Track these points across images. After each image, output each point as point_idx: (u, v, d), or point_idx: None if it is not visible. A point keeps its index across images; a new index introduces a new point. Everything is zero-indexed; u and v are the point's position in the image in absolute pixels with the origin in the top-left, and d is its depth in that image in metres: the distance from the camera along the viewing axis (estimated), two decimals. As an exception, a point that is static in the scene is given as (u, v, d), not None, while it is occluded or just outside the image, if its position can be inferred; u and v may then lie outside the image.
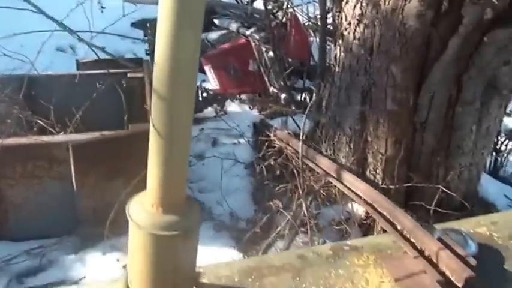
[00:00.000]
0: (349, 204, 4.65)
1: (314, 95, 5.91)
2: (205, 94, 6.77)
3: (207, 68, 7.44)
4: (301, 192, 3.95)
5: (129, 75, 5.42)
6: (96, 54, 5.06)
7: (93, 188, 4.26)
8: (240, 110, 6.89)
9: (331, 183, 4.15)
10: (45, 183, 4.27)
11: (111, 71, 5.19)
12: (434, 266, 1.74)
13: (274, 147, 5.03)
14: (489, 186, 5.63)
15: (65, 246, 4.26)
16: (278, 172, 4.86)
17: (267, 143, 5.13)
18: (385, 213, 2.02)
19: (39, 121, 4.85)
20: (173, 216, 1.40)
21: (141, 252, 1.45)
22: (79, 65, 5.61)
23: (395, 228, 1.94)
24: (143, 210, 1.42)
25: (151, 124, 1.35)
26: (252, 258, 1.87)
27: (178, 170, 1.40)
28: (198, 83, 6.83)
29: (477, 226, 2.14)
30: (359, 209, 4.65)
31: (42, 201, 4.29)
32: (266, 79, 6.84)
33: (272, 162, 4.88)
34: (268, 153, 5.04)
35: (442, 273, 1.70)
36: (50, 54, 7.45)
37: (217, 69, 7.40)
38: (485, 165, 5.92)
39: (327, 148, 5.12)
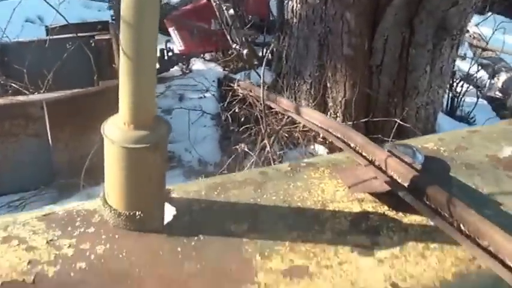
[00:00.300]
0: (312, 146, 4.78)
1: (273, 46, 5.98)
2: (170, 54, 6.80)
3: (171, 30, 7.47)
4: (263, 131, 4.06)
5: (96, 37, 5.48)
6: (66, 19, 5.13)
7: (67, 142, 4.34)
8: (205, 68, 6.95)
9: (293, 124, 4.28)
10: (22, 140, 4.34)
11: (80, 34, 5.25)
12: (384, 172, 1.85)
13: (238, 96, 5.13)
14: (446, 125, 5.78)
15: (43, 198, 4.35)
16: (243, 119, 4.96)
17: (231, 93, 5.22)
18: (339, 135, 2.12)
19: (13, 84, 4.90)
20: (143, 131, 1.50)
21: (115, 167, 1.54)
22: (48, 30, 5.63)
23: (349, 146, 2.05)
24: (116, 128, 1.51)
25: (120, 48, 1.44)
26: (217, 177, 1.97)
27: (147, 89, 1.49)
28: (163, 44, 6.88)
29: (425, 142, 2.25)
30: (320, 150, 4.79)
31: (20, 157, 4.37)
32: (228, 36, 6.89)
33: (237, 110, 4.98)
34: (233, 102, 5.13)
35: (390, 177, 1.82)
36: (20, 25, 7.44)
37: (180, 30, 7.43)
38: (443, 106, 6.07)
39: (288, 96, 5.22)
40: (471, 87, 6.88)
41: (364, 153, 1.98)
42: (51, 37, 5.19)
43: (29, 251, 1.52)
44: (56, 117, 4.21)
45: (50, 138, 4.27)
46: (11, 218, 1.66)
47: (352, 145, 2.05)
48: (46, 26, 5.84)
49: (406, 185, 1.75)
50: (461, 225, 1.56)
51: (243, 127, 4.83)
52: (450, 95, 6.68)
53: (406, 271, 1.55)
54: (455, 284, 1.54)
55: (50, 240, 1.57)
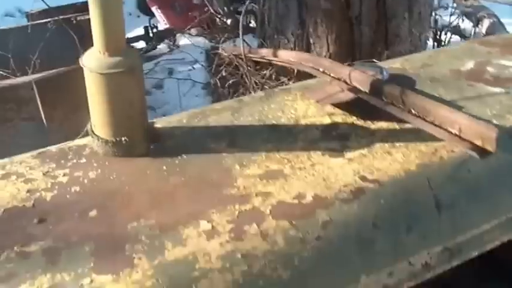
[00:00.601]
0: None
1: (246, 5, 6.06)
2: (155, 30, 6.91)
3: (154, 9, 7.59)
4: (249, 85, 4.20)
5: (78, 18, 5.57)
6: (46, 3, 5.24)
7: (62, 121, 4.44)
8: (191, 42, 7.06)
9: (277, 80, 4.44)
10: (17, 125, 4.43)
11: (61, 17, 5.35)
12: (348, 85, 2.02)
13: (225, 61, 5.26)
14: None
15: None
16: (231, 81, 5.10)
17: (217, 58, 5.35)
18: (310, 64, 2.28)
19: (0, 72, 4.99)
20: (117, 57, 1.66)
21: (97, 95, 1.70)
22: (29, 16, 5.73)
23: (318, 70, 2.21)
24: (93, 57, 1.67)
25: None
26: (197, 108, 2.14)
27: (115, 18, 1.65)
28: (147, 22, 7.00)
29: (391, 63, 2.41)
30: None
31: (17, 142, 4.46)
32: (210, 8, 7.00)
33: (224, 73, 5.11)
34: (221, 67, 5.27)
35: (354, 87, 1.99)
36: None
37: (163, 8, 7.55)
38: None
39: (274, 57, 5.34)
40: (456, 36, 7.01)
41: (332, 74, 2.14)
42: (32, 22, 5.28)
43: (27, 183, 1.69)
44: (47, 96, 4.28)
45: (44, 118, 4.37)
46: (7, 160, 1.83)
47: (321, 69, 2.21)
48: (26, 12, 5.92)
49: (367, 90, 1.92)
50: (412, 110, 1.74)
51: (231, 88, 4.96)
52: (435, 44, 6.80)
53: (373, 166, 1.72)
54: (419, 173, 1.71)
55: (46, 172, 1.74)
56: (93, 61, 1.66)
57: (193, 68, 6.13)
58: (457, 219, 1.68)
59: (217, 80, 5.17)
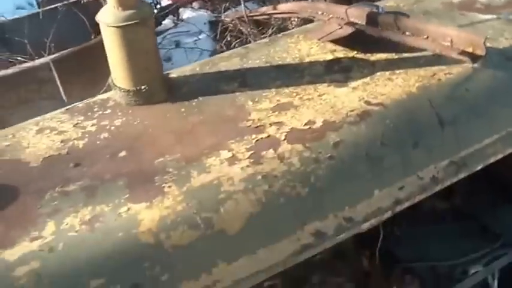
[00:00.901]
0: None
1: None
2: (158, 6, 6.91)
3: (155, -14, 7.58)
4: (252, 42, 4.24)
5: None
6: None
7: (81, 96, 4.49)
8: (195, 15, 7.07)
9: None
10: (39, 104, 4.49)
11: (70, 0, 5.39)
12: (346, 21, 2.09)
13: (228, 27, 5.30)
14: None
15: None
16: (236, 44, 5.13)
17: (220, 24, 5.40)
18: (309, 10, 2.34)
19: (19, 58, 5.04)
20: (131, 10, 1.73)
21: (115, 48, 1.77)
22: (39, 3, 5.76)
23: (317, 14, 2.27)
24: (109, 13, 1.75)
25: None
26: (207, 58, 2.23)
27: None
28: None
29: (385, 2, 2.48)
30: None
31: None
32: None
33: (229, 38, 5.16)
34: (225, 34, 5.32)
35: (352, 23, 2.06)
36: (11, 13, 7.57)
37: (164, -16, 7.53)
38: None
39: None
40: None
41: (330, 15, 2.20)
42: (43, 8, 5.32)
43: (60, 134, 1.78)
44: (65, 75, 4.33)
45: (63, 95, 4.43)
46: (39, 117, 1.91)
47: (319, 13, 2.27)
48: (37, 0, 5.96)
49: (364, 22, 1.98)
50: (406, 32, 1.81)
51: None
52: None
53: (376, 92, 1.79)
54: (419, 95, 1.78)
55: (76, 124, 1.82)
56: (109, 16, 1.73)
57: (199, 38, 6.15)
58: (459, 134, 1.75)
59: (222, 45, 5.20)
